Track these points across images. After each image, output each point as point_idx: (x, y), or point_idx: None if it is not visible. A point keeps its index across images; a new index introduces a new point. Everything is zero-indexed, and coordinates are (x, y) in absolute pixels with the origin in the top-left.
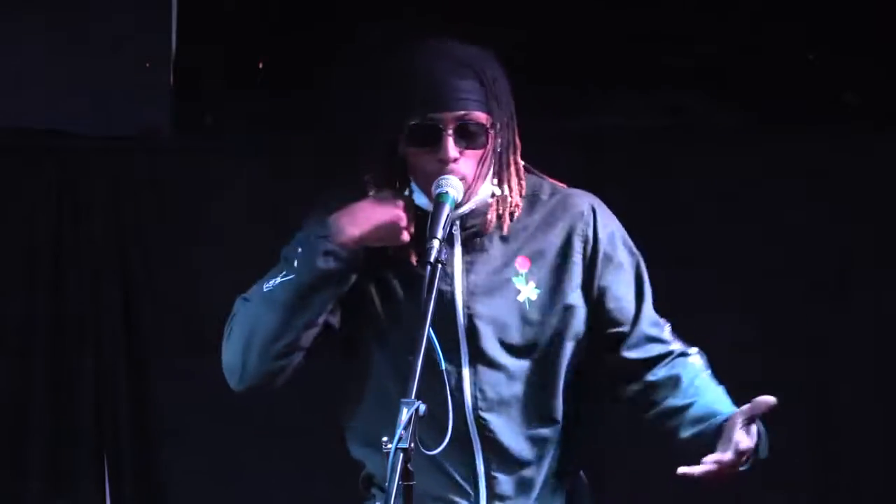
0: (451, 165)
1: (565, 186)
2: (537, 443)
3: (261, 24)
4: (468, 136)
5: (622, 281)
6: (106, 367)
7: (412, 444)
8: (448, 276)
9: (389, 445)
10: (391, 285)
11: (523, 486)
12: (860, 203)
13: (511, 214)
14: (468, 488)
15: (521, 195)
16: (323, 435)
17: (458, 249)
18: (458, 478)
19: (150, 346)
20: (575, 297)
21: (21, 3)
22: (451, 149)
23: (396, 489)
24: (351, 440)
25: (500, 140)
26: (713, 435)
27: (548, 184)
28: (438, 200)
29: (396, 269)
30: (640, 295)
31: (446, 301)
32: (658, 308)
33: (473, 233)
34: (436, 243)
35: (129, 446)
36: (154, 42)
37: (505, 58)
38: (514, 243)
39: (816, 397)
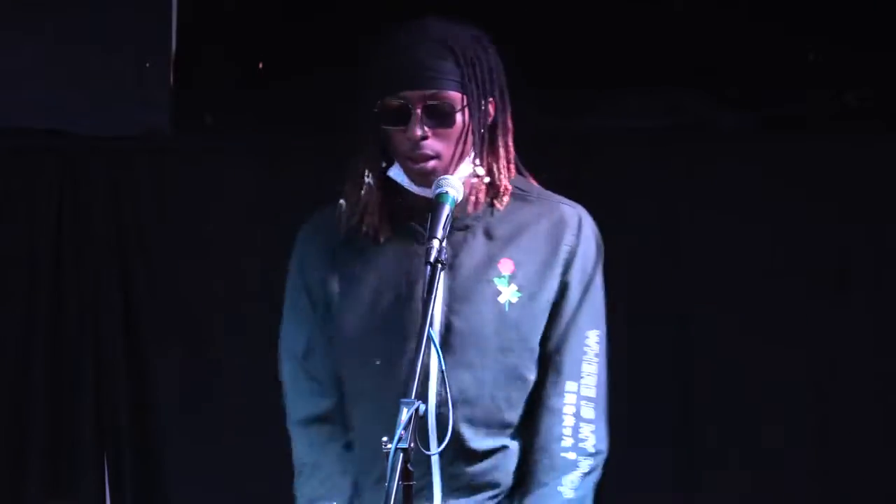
0: (422, 143)
1: (551, 193)
2: (496, 447)
3: (261, 24)
4: (437, 115)
5: (567, 302)
6: (106, 367)
7: (412, 444)
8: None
9: (389, 445)
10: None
11: (477, 488)
12: (860, 203)
13: (498, 202)
14: (423, 484)
15: (506, 179)
16: None
17: (440, 233)
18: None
19: (150, 346)
20: (549, 305)
21: (21, 2)
22: (418, 127)
23: (396, 489)
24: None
25: (477, 120)
26: None
27: (536, 187)
28: (438, 200)
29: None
30: (571, 326)
31: (419, 298)
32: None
33: (456, 223)
34: (436, 243)
35: (129, 446)
36: (154, 42)
37: (504, 59)
38: (500, 242)
39: (815, 396)
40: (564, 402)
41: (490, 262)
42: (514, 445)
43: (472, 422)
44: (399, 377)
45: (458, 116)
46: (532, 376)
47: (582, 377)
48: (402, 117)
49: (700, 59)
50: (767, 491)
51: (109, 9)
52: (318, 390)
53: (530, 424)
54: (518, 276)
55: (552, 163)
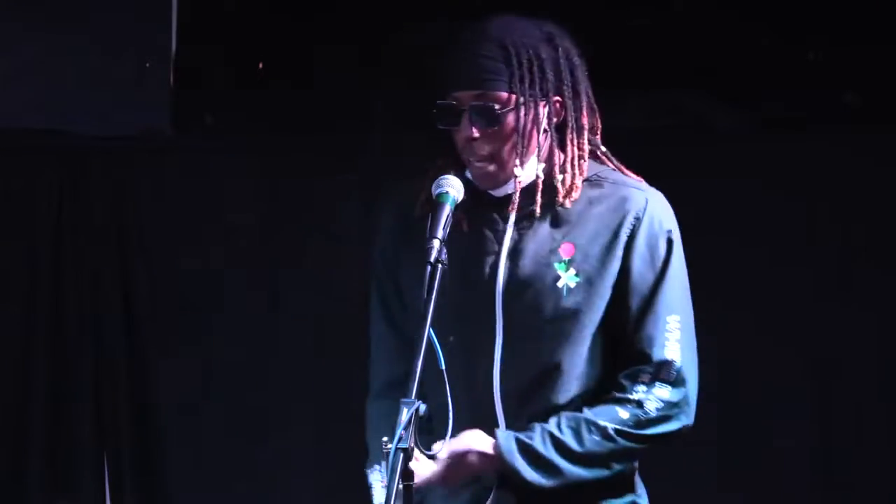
0: (473, 143)
1: (635, 177)
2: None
3: (261, 24)
4: (484, 115)
5: (635, 291)
6: (106, 367)
7: (412, 444)
8: (494, 254)
9: (389, 445)
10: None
11: None
12: (860, 203)
13: (567, 199)
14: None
15: (577, 179)
16: (323, 435)
17: (510, 229)
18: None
19: (150, 346)
20: (608, 292)
21: (21, 3)
22: (467, 127)
23: (396, 489)
24: None
25: (539, 119)
26: None
27: (614, 173)
28: (439, 200)
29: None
30: (642, 316)
31: (486, 281)
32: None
33: (525, 214)
34: (436, 243)
35: (129, 446)
36: (154, 42)
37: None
38: (564, 228)
39: (817, 396)
40: (639, 379)
41: (552, 246)
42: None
43: (521, 407)
44: (467, 355)
45: (508, 116)
46: (585, 362)
47: (664, 360)
48: (454, 118)
49: (700, 59)
50: (770, 490)
51: (110, 9)
52: (396, 358)
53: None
54: (577, 260)
55: None
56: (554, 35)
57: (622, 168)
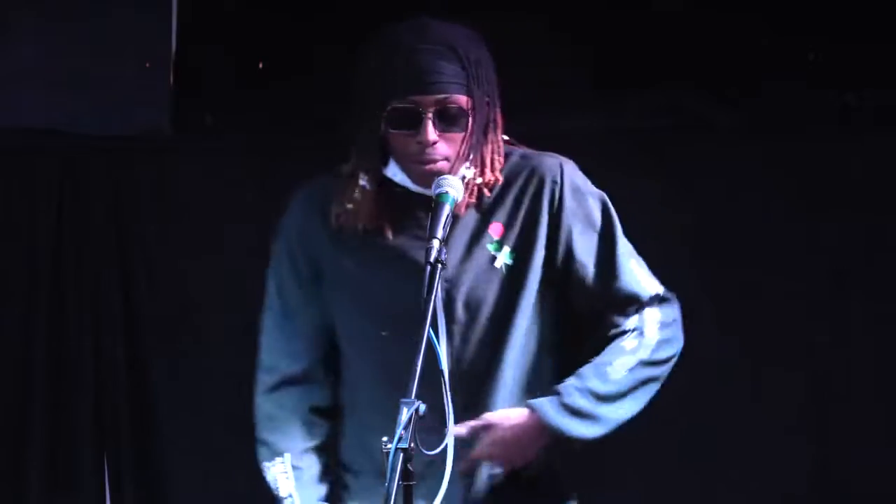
0: (430, 148)
1: (536, 152)
2: (512, 406)
3: (261, 24)
4: (448, 119)
5: (585, 248)
6: (106, 367)
7: (412, 444)
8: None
9: (389, 445)
10: (358, 268)
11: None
12: (859, 203)
13: (489, 189)
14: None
15: (497, 172)
16: None
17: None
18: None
19: (150, 346)
20: (543, 258)
21: (21, 2)
22: (431, 132)
23: (396, 489)
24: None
25: (481, 121)
26: None
27: (519, 150)
28: (438, 200)
29: (365, 251)
30: (599, 261)
31: (422, 278)
32: None
33: (453, 213)
34: (436, 243)
35: (129, 446)
36: (154, 42)
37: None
38: (486, 211)
39: (815, 398)
40: (628, 309)
41: (481, 230)
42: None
43: (470, 394)
44: (402, 351)
45: (468, 119)
46: (531, 334)
47: (642, 292)
48: (412, 121)
49: (700, 59)
50: (766, 490)
51: (110, 9)
52: (294, 351)
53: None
54: (508, 238)
55: None
56: (477, 36)
57: (519, 144)
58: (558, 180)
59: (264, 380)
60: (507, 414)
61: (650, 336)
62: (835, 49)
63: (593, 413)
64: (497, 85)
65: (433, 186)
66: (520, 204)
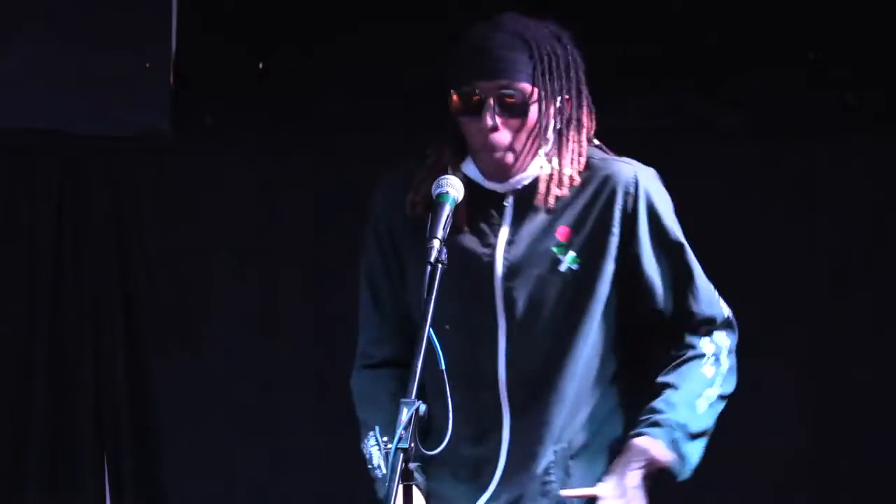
0: (492, 135)
1: (615, 157)
2: (569, 414)
3: (261, 24)
4: (508, 107)
5: (658, 263)
6: (106, 366)
7: (412, 444)
8: (490, 247)
9: (389, 445)
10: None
11: (538, 460)
12: (859, 203)
13: (563, 189)
14: (487, 464)
15: (578, 173)
16: (322, 435)
17: (505, 223)
18: (485, 449)
19: (150, 346)
20: (611, 268)
21: (21, 3)
22: (489, 117)
23: (396, 489)
24: None
25: (552, 115)
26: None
27: (601, 154)
28: (439, 201)
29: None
30: (673, 278)
31: (485, 275)
32: None
33: (524, 207)
34: (436, 243)
35: (129, 446)
36: (154, 42)
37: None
38: (558, 212)
39: (814, 397)
40: (702, 330)
41: (547, 231)
42: (579, 405)
43: (527, 396)
44: (468, 346)
45: (531, 109)
46: (593, 343)
47: (714, 313)
48: (476, 108)
49: (700, 59)
50: (766, 490)
51: (109, 9)
52: (381, 337)
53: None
54: (574, 242)
55: None
56: (561, 34)
57: (605, 148)
58: (632, 190)
59: (357, 362)
60: (629, 457)
61: (724, 364)
62: (835, 49)
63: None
64: (584, 86)
65: (433, 186)
66: (590, 209)
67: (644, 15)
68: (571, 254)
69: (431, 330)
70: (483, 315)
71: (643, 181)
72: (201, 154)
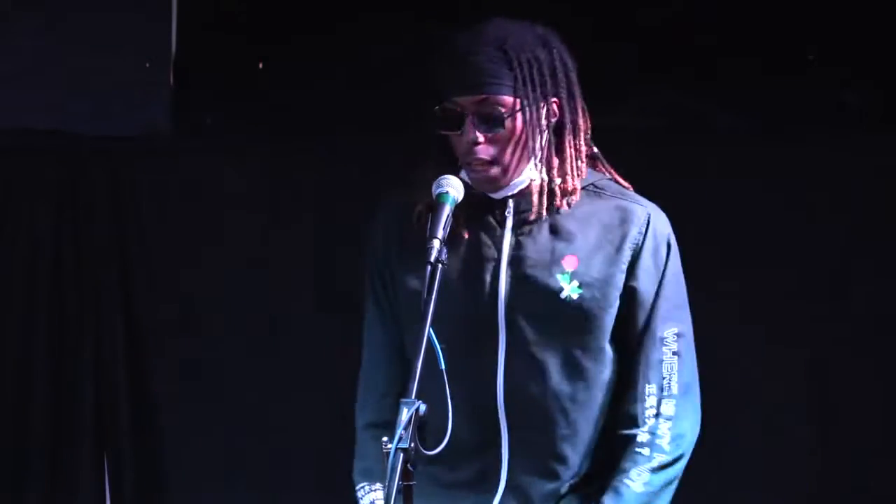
0: (476, 149)
1: (631, 189)
2: (564, 440)
3: (260, 24)
4: (489, 120)
5: (639, 304)
6: (106, 367)
7: (412, 444)
8: (494, 261)
9: (389, 445)
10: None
11: (544, 480)
12: (859, 203)
13: (566, 202)
14: (490, 476)
15: (576, 181)
16: (322, 434)
17: (507, 234)
18: (482, 466)
19: (151, 346)
20: (616, 301)
21: (21, 3)
22: (471, 132)
23: (396, 489)
24: None
25: (541, 121)
26: None
27: (612, 184)
28: (439, 201)
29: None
30: (645, 328)
31: (489, 289)
32: None
33: (523, 219)
34: (436, 243)
35: (129, 446)
36: (154, 42)
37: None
38: (566, 238)
39: (813, 397)
40: (646, 405)
41: (554, 257)
42: (583, 431)
43: (524, 415)
44: (469, 361)
45: (511, 120)
46: (594, 373)
47: (663, 377)
48: (457, 122)
49: (699, 60)
50: (766, 492)
51: (110, 9)
52: (382, 396)
53: (610, 414)
54: (580, 273)
55: None
56: (548, 37)
57: (616, 176)
58: (643, 231)
59: (356, 417)
60: None
61: (662, 444)
62: (834, 49)
63: None
64: (576, 88)
65: (433, 186)
66: (601, 244)
67: (643, 14)
68: (575, 283)
69: (431, 330)
70: (484, 333)
71: (652, 223)
72: (201, 154)
